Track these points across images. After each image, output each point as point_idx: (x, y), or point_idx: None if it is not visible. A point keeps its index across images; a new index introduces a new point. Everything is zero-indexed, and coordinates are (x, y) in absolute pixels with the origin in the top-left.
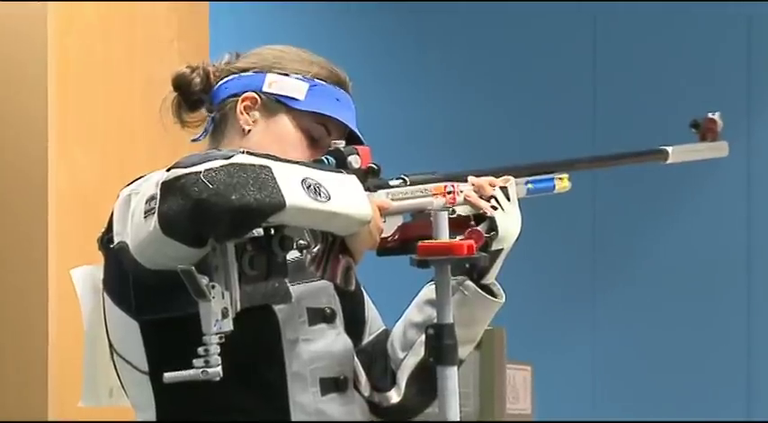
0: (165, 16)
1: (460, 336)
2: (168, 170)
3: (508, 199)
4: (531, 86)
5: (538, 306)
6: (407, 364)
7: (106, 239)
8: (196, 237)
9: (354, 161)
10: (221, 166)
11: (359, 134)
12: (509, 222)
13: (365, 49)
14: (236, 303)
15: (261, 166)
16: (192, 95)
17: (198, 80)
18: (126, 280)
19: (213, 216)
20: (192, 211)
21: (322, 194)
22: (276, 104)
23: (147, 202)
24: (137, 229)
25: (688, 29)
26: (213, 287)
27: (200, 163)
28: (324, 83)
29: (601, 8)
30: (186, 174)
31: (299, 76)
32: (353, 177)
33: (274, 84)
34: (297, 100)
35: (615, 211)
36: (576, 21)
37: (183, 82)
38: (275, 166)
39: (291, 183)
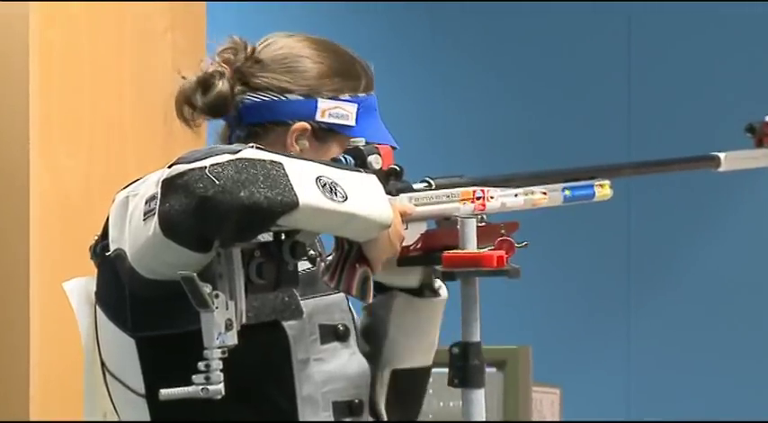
0: (158, 5)
1: (414, 346)
2: (170, 167)
3: None
4: (564, 88)
5: (567, 323)
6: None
7: (100, 247)
8: (200, 239)
9: (375, 161)
10: (228, 161)
11: (395, 145)
12: None
13: (384, 42)
14: (241, 314)
15: (272, 161)
16: (216, 103)
17: (224, 87)
18: (122, 292)
19: (219, 215)
20: (196, 209)
21: (338, 194)
22: (328, 133)
23: (146, 203)
24: (135, 233)
25: (728, 26)
26: (217, 296)
27: (204, 157)
28: (365, 95)
29: (636, 7)
30: (190, 169)
31: (348, 97)
32: (373, 177)
33: (327, 111)
34: (349, 127)
35: (652, 218)
36: (611, 20)
37: (217, 104)
38: (287, 162)
39: (305, 180)
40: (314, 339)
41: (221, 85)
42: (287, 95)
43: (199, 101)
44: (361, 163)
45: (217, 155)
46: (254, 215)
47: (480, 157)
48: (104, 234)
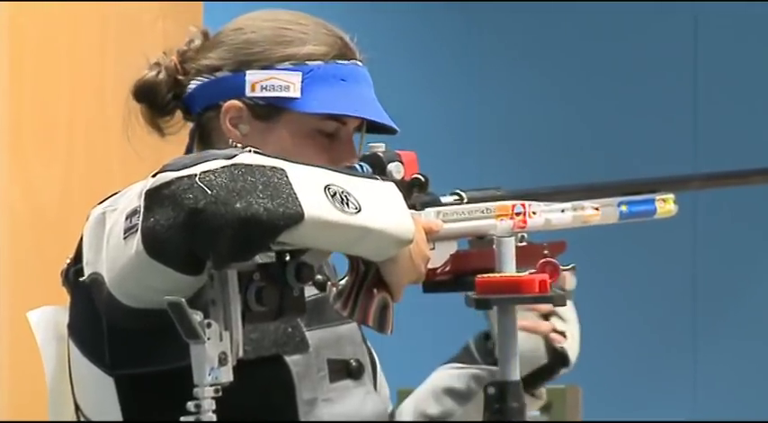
0: None
1: None
2: (154, 176)
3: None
4: (622, 91)
5: (622, 359)
6: None
7: (73, 272)
8: (190, 259)
9: (396, 170)
10: (222, 168)
11: (388, 122)
12: (574, 338)
13: (413, 41)
14: (237, 347)
15: (273, 167)
16: (163, 104)
17: (164, 88)
18: (98, 324)
19: (212, 230)
20: (185, 224)
21: (350, 205)
22: (267, 109)
23: (127, 219)
24: (114, 253)
25: None
26: (209, 325)
27: (194, 164)
28: (321, 63)
29: (702, 7)
30: (177, 178)
31: (288, 66)
32: (392, 185)
33: (258, 84)
34: (292, 100)
35: (721, 239)
36: (676, 21)
37: (146, 93)
38: (291, 169)
39: (312, 189)
40: (322, 376)
41: (149, 74)
42: (216, 74)
43: (149, 108)
44: (379, 171)
45: (208, 161)
46: (253, 229)
47: (521, 167)
48: (77, 256)
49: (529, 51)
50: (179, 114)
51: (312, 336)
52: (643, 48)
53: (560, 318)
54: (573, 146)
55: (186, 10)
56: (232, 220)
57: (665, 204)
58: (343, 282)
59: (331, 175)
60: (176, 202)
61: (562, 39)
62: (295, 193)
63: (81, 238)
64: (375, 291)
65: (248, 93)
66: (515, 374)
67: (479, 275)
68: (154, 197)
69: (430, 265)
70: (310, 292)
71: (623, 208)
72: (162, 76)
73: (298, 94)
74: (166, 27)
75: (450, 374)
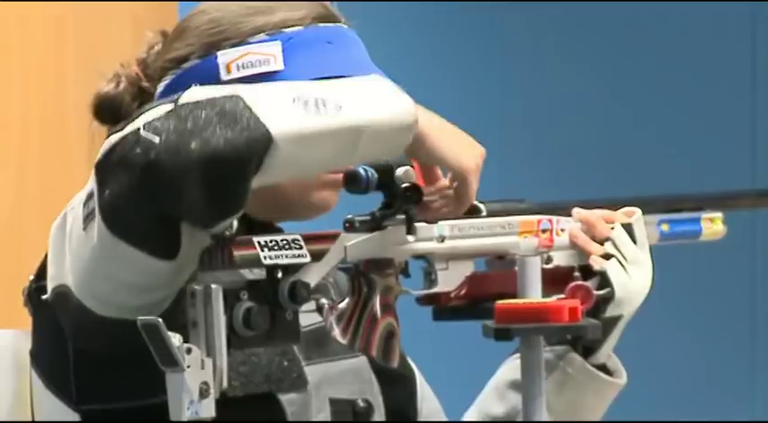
0: None
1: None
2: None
3: (634, 242)
4: (671, 95)
5: (669, 396)
6: None
7: (35, 290)
8: (159, 234)
9: (406, 175)
10: (168, 112)
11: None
12: (633, 277)
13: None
14: (221, 376)
15: (225, 96)
16: (101, 106)
17: (128, 98)
18: (63, 350)
19: (172, 182)
20: (141, 184)
21: (328, 106)
22: None
23: (84, 205)
24: (78, 250)
25: None
26: (189, 351)
27: (135, 118)
28: (300, 28)
29: (761, 7)
30: (121, 137)
31: (263, 37)
32: (374, 74)
33: (233, 64)
34: (276, 73)
35: None
36: (731, 20)
37: (108, 108)
38: (247, 91)
39: (275, 105)
40: (322, 418)
41: (108, 87)
42: (183, 65)
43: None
44: (388, 178)
45: (151, 110)
46: (218, 168)
47: (548, 176)
48: (41, 273)
49: (558, 48)
50: None
51: (312, 371)
52: (692, 47)
53: (621, 252)
54: (608, 154)
55: (160, 12)
56: (190, 162)
57: (713, 225)
58: (342, 305)
59: (298, 85)
60: (126, 164)
61: (596, 35)
62: (256, 115)
63: (45, 255)
64: (379, 316)
65: (224, 76)
66: (542, 416)
67: (499, 301)
68: (104, 168)
69: (442, 289)
70: (311, 320)
71: (664, 227)
72: (123, 85)
73: (281, 66)
74: (137, 12)
75: (513, 366)
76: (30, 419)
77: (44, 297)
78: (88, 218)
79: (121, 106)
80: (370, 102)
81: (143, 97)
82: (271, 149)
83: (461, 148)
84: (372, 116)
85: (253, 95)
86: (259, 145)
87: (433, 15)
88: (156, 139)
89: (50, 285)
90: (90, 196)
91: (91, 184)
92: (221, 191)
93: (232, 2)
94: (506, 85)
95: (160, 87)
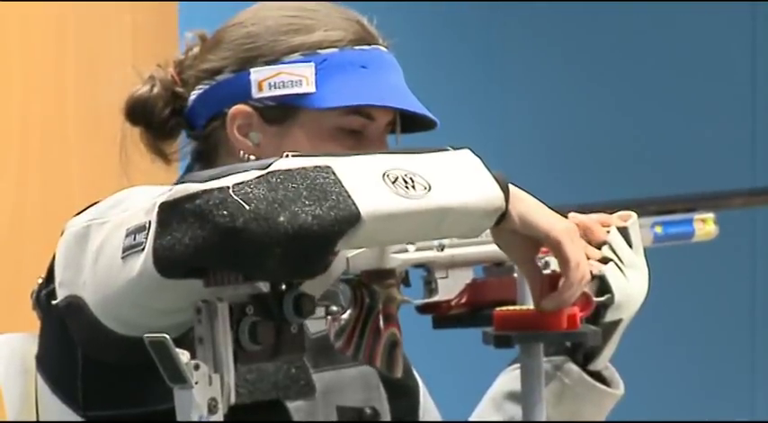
0: None
1: None
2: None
3: (630, 246)
4: (669, 93)
5: (669, 399)
6: None
7: (45, 294)
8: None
9: None
10: (258, 178)
11: (423, 111)
12: (631, 281)
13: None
14: (229, 392)
15: (316, 167)
16: (161, 123)
17: (161, 103)
18: (72, 355)
19: (257, 252)
20: (220, 246)
21: (417, 186)
22: (279, 111)
23: (129, 236)
24: (107, 273)
25: None
26: (197, 367)
27: (223, 176)
28: (335, 50)
29: (761, 7)
30: (205, 190)
31: (298, 57)
32: (466, 150)
33: (265, 82)
34: (306, 96)
35: None
36: (732, 21)
37: (141, 111)
38: (338, 163)
39: (366, 181)
40: None
41: (142, 89)
42: (216, 78)
43: (148, 131)
44: None
45: (239, 172)
46: (304, 243)
47: (546, 179)
48: (50, 276)
49: (557, 49)
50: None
51: (320, 378)
52: (692, 43)
53: (618, 256)
54: (608, 154)
55: (160, 12)
56: (278, 236)
57: (705, 225)
58: (345, 316)
59: (389, 158)
60: (205, 219)
61: (595, 35)
62: (346, 191)
63: (54, 256)
64: (383, 327)
65: (255, 94)
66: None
67: (498, 308)
68: (172, 212)
69: (442, 297)
70: (319, 327)
71: (658, 229)
72: (157, 89)
73: (312, 89)
74: (136, 17)
75: (509, 377)
76: None
77: (54, 303)
78: (131, 249)
79: (154, 110)
80: (460, 183)
81: (176, 102)
82: (356, 227)
83: (550, 217)
84: (460, 199)
85: (344, 168)
86: (346, 223)
87: (433, 15)
88: (246, 206)
89: (61, 292)
90: (141, 229)
91: (144, 217)
92: (302, 262)
93: (270, 15)
94: (506, 85)
95: (193, 95)
